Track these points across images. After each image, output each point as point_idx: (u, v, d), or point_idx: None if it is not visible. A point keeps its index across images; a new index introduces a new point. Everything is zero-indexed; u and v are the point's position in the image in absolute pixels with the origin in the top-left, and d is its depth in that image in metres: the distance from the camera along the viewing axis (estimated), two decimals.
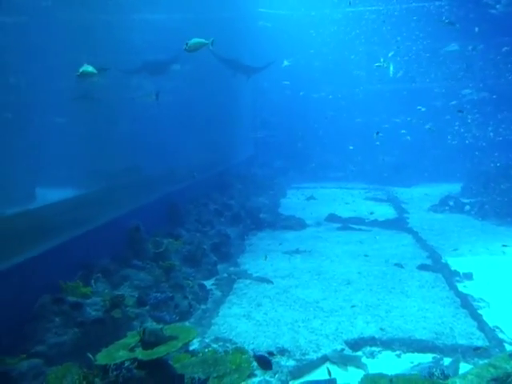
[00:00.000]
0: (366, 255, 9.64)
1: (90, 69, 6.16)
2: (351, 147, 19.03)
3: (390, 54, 18.62)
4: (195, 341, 5.75)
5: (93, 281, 6.22)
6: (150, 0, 12.11)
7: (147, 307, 6.13)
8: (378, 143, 17.43)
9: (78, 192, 7.97)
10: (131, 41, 11.27)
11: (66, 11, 10.06)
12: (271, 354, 5.23)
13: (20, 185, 7.20)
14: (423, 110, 16.67)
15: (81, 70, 6.19)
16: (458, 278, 8.18)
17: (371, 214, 13.18)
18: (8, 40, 8.06)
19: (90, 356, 4.07)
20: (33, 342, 5.01)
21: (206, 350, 5.31)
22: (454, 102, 18.34)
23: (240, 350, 5.11)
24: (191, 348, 5.54)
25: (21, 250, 5.59)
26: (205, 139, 13.93)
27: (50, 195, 7.24)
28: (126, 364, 3.85)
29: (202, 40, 6.52)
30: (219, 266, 8.51)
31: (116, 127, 9.90)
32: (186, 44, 6.37)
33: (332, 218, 12.96)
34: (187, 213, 10.51)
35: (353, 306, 6.97)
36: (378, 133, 14.03)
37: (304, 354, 5.62)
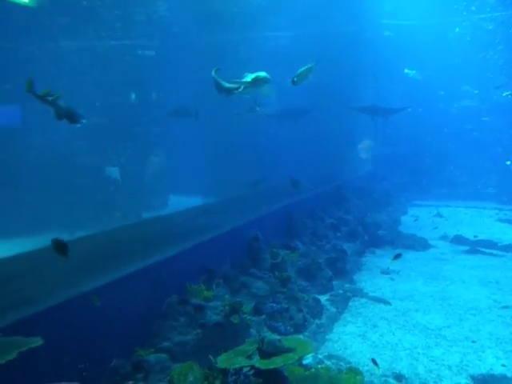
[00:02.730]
0: (497, 282, 8.77)
1: (261, 74, 5.96)
2: (508, 162, 17.53)
3: None
4: (309, 355, 5.73)
5: (214, 285, 6.56)
6: (275, 18, 12.59)
7: (263, 316, 6.27)
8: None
9: (206, 200, 8.51)
10: (256, 58, 11.81)
11: (197, 34, 10.91)
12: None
13: (156, 193, 7.92)
14: None
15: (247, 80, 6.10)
16: None
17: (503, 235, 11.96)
18: (147, 62, 8.99)
19: (212, 358, 4.29)
20: (160, 338, 5.45)
21: (320, 367, 5.26)
22: None
23: (354, 371, 4.98)
24: (304, 362, 5.54)
25: (154, 251, 6.15)
26: (323, 152, 13.96)
27: (181, 202, 7.85)
28: (244, 370, 3.99)
29: (307, 66, 6.05)
30: (334, 282, 8.40)
31: (243, 141, 10.41)
32: (293, 79, 5.95)
33: (458, 239, 12.02)
34: (303, 225, 10.57)
35: (480, 338, 6.38)
36: None
37: None
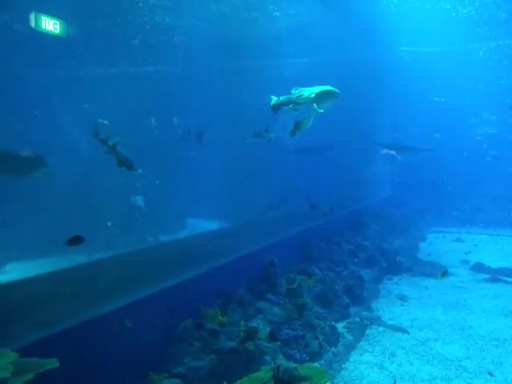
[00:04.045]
0: None
1: (329, 88, 5.36)
2: None
3: None
4: None
5: (230, 310, 6.54)
6: (292, 45, 12.82)
7: (278, 343, 6.20)
8: None
9: (223, 224, 8.54)
10: (274, 84, 12.00)
11: (217, 60, 11.17)
12: None
13: (174, 216, 7.99)
14: None
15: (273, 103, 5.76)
16: None
17: None
18: (166, 86, 9.20)
19: None
20: (173, 363, 5.42)
21: None
22: None
23: None
24: None
25: (170, 275, 6.17)
26: (341, 177, 13.95)
27: (198, 226, 7.89)
28: None
29: (307, 116, 5.50)
30: (351, 309, 8.27)
31: (260, 165, 10.48)
32: (293, 131, 5.49)
33: (479, 267, 11.75)
34: (320, 251, 10.50)
35: (503, 371, 6.17)
36: None
37: None
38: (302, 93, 5.48)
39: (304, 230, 10.72)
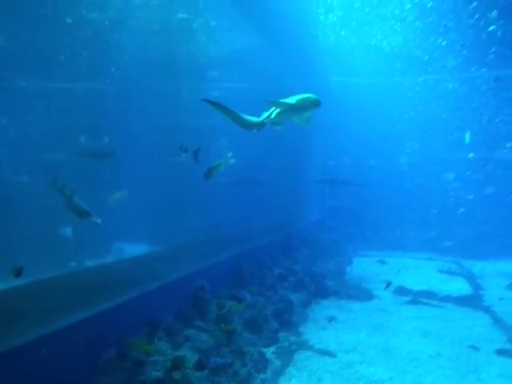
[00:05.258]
0: (437, 333, 9.00)
1: (311, 97, 5.12)
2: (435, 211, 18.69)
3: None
4: None
5: (156, 339, 6.32)
6: (226, 70, 13.05)
7: (206, 371, 6.07)
8: (462, 210, 17.05)
9: (153, 248, 8.33)
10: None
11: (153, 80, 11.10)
12: None
13: (99, 239, 7.68)
14: None
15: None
16: None
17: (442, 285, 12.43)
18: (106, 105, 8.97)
19: None
20: None
21: None
22: None
23: None
24: None
25: (93, 302, 5.88)
26: (274, 200, 14.20)
27: (125, 250, 7.63)
28: None
29: (219, 161, 5.87)
30: (280, 334, 8.31)
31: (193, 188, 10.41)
32: (206, 174, 5.85)
33: (401, 290, 12.34)
34: (252, 275, 10.50)
35: None
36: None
37: None
38: (278, 101, 5.29)
39: (237, 254, 10.71)
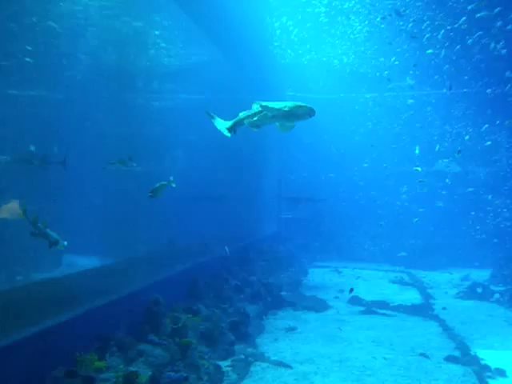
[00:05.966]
0: (390, 342, 9.22)
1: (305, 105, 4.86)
2: (382, 223, 19.31)
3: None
4: None
5: (108, 355, 6.10)
6: (183, 81, 13.01)
7: None
8: (416, 220, 17.76)
9: (105, 261, 8.07)
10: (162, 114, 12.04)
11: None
12: None
13: (48, 252, 7.35)
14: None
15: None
16: (489, 374, 7.67)
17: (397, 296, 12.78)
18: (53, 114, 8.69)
19: None
20: None
21: None
22: None
23: None
24: None
25: (40, 318, 5.61)
26: (231, 213, 14.17)
27: (76, 263, 7.36)
28: None
29: (162, 182, 6.05)
30: (236, 346, 8.23)
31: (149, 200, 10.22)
32: (150, 194, 5.99)
33: (355, 300, 12.58)
34: (207, 287, 10.39)
35: None
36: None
37: None
38: (270, 106, 4.96)
39: (192, 266, 10.58)
